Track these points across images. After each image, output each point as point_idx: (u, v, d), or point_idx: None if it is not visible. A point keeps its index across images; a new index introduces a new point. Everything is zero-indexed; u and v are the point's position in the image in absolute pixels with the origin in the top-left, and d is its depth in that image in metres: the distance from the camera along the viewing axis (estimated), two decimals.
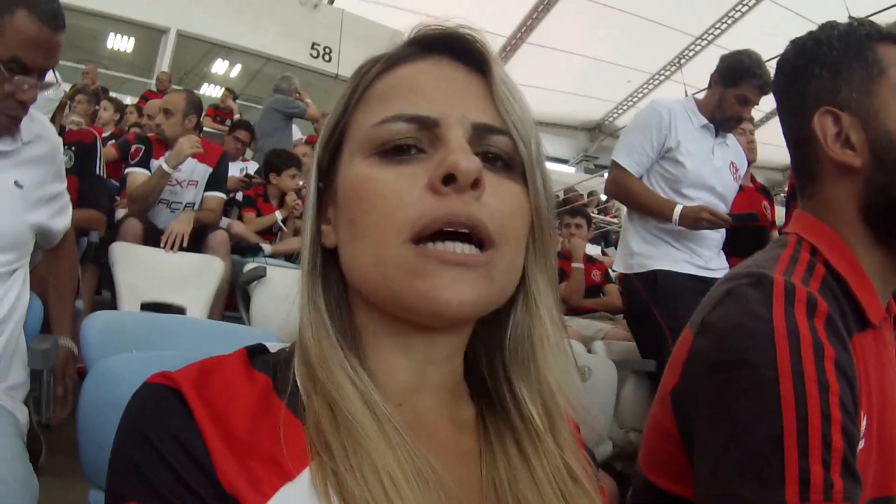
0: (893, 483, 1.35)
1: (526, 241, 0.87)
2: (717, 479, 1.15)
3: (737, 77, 3.97)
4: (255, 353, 0.86)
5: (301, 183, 6.09)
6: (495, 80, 0.86)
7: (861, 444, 1.21)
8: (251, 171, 7.78)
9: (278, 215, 5.90)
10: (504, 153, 0.85)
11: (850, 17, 1.44)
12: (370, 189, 0.81)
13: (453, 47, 0.88)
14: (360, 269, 0.83)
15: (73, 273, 2.70)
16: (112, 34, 16.38)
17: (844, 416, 1.10)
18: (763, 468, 1.08)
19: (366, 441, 0.75)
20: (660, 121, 3.98)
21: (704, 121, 4.06)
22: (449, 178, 0.77)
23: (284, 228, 5.93)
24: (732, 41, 20.07)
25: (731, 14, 19.98)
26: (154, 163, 4.81)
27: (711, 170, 3.99)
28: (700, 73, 20.50)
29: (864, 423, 1.23)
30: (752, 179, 5.12)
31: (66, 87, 6.12)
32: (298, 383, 0.81)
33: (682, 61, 21.82)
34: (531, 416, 0.88)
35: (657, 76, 22.90)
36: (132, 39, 16.65)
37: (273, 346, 0.90)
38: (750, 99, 3.98)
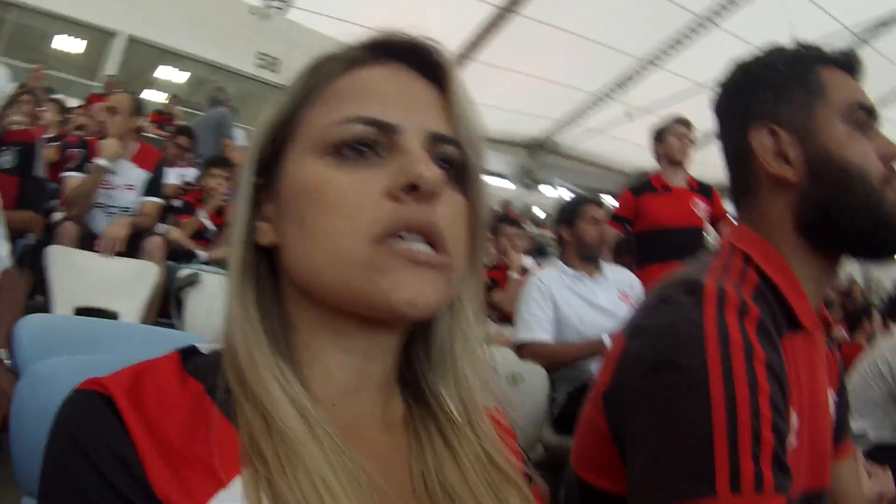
0: (825, 475, 1.42)
1: (465, 248, 0.89)
2: (650, 475, 1.18)
3: (574, 210, 4.40)
4: (188, 355, 0.85)
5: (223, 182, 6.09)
6: (454, 94, 0.88)
7: (794, 444, 1.26)
8: (190, 178, 7.69)
9: (201, 213, 5.89)
10: (455, 164, 0.87)
11: (797, 42, 1.49)
12: (326, 190, 0.81)
13: (414, 56, 0.90)
14: (311, 266, 0.82)
15: (15, 296, 2.75)
16: (61, 35, 16.15)
17: (775, 415, 1.13)
18: (695, 462, 1.11)
19: (298, 447, 0.74)
20: (539, 288, 4.23)
21: (574, 272, 4.32)
22: (411, 187, 0.79)
23: (209, 225, 5.91)
24: (677, 65, 20.28)
25: (677, 39, 20.14)
26: (90, 167, 4.78)
27: (596, 312, 4.18)
28: (642, 94, 20.66)
29: (794, 419, 1.28)
30: (689, 181, 5.27)
31: (13, 85, 6.04)
32: (230, 387, 0.79)
33: (626, 82, 21.98)
34: (450, 409, 0.91)
35: (601, 96, 23.02)
36: (82, 41, 16.41)
37: (204, 348, 0.88)
38: (598, 218, 4.34)
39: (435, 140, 0.85)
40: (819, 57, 1.46)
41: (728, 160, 1.56)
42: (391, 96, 0.86)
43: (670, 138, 5.27)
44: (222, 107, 9.48)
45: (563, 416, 3.88)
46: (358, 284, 0.79)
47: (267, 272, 0.89)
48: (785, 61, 1.46)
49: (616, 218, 5.16)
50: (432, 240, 0.81)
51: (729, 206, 5.35)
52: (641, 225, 5.16)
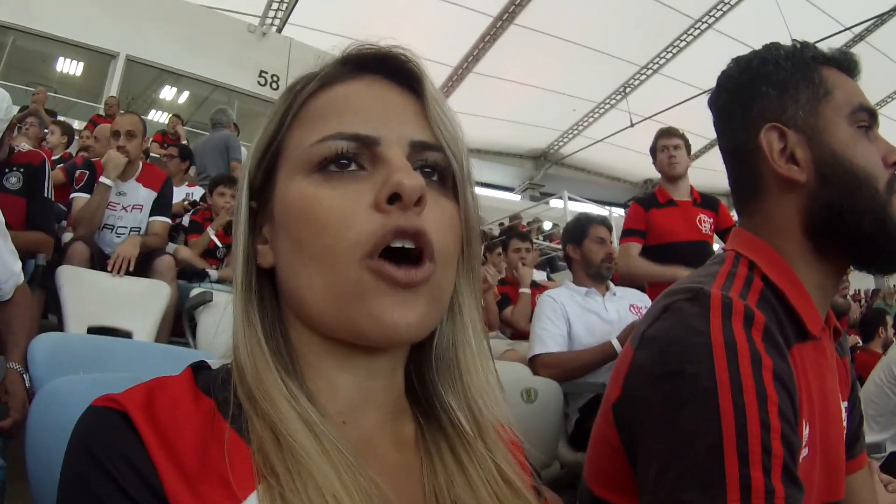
0: (839, 488, 1.39)
1: (457, 256, 0.89)
2: (660, 488, 1.16)
3: (582, 230, 4.49)
4: (199, 370, 0.86)
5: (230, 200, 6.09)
6: (427, 99, 0.88)
7: (804, 452, 1.24)
8: (196, 197, 7.71)
9: (210, 231, 5.88)
10: (439, 168, 0.88)
11: (794, 40, 1.47)
12: (315, 208, 0.82)
13: (386, 67, 0.90)
14: (307, 291, 0.83)
15: (30, 312, 2.81)
16: (61, 58, 16.21)
17: (784, 425, 1.12)
18: (705, 476, 1.09)
19: (308, 463, 0.75)
20: (552, 304, 4.28)
21: (585, 289, 4.40)
22: (394, 197, 0.79)
23: (218, 243, 5.90)
24: (676, 69, 20.35)
25: (675, 44, 20.24)
26: (96, 186, 4.77)
27: (609, 326, 4.18)
28: (644, 101, 20.79)
29: (806, 431, 1.25)
30: (692, 193, 5.24)
31: (16, 109, 6.06)
32: (241, 404, 0.80)
33: (628, 90, 22.06)
34: (460, 423, 0.90)
35: (603, 104, 23.11)
36: (81, 64, 16.49)
37: (214, 363, 0.90)
38: (603, 238, 4.43)
39: (417, 148, 0.86)
40: (819, 56, 1.44)
41: (730, 160, 1.54)
42: (368, 109, 0.87)
43: (659, 155, 5.27)
44: (224, 129, 9.47)
45: (577, 431, 3.89)
46: (350, 311, 0.80)
47: (271, 293, 0.91)
48: (786, 57, 1.44)
49: (631, 232, 5.12)
50: (420, 245, 0.81)
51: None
52: (650, 239, 5.13)
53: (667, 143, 5.20)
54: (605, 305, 4.29)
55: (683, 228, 5.05)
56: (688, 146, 5.27)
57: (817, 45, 1.48)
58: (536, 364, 4.08)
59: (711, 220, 5.17)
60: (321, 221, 0.81)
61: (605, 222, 4.52)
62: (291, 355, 0.87)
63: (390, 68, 0.90)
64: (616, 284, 4.63)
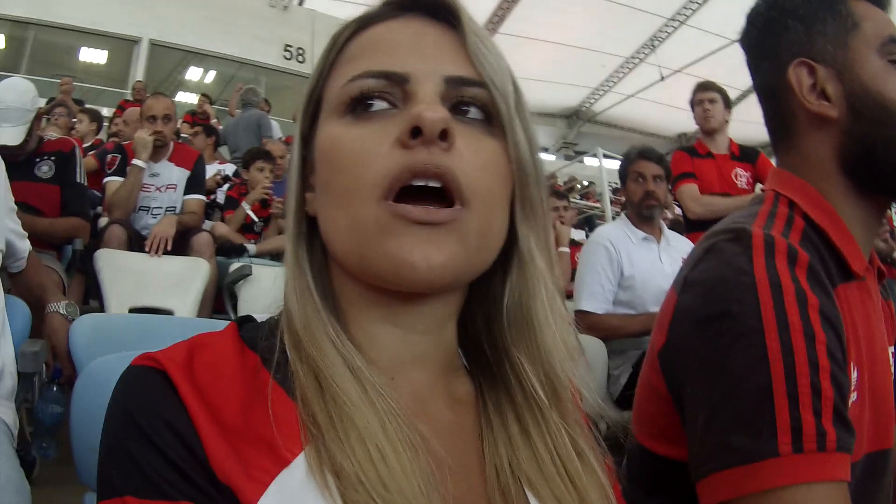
0: (889, 435, 1.34)
1: (509, 200, 0.84)
2: (709, 433, 1.13)
3: (626, 167, 4.40)
4: (243, 325, 0.84)
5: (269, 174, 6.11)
6: (466, 32, 0.84)
7: (853, 397, 1.20)
8: (228, 173, 7.74)
9: (245, 205, 5.88)
10: (479, 105, 0.83)
11: None
12: (339, 148, 0.80)
13: (425, 5, 0.86)
14: (335, 234, 0.81)
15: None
16: (84, 48, 16.36)
17: (833, 365, 1.09)
18: (754, 418, 1.07)
19: (350, 409, 0.73)
20: (607, 254, 4.13)
21: (643, 234, 4.25)
22: (416, 131, 0.75)
23: (254, 217, 5.91)
24: (704, 20, 20.14)
25: None
26: (129, 169, 4.81)
27: (663, 278, 4.04)
28: (674, 54, 20.63)
29: (854, 374, 1.22)
30: (731, 146, 5.21)
31: (42, 101, 6.10)
32: (287, 353, 0.78)
33: (656, 43, 21.89)
34: (533, 389, 0.85)
35: (631, 59, 22.96)
36: (105, 52, 16.61)
37: (261, 317, 0.87)
38: (644, 174, 4.26)
39: (453, 83, 0.81)
40: None
41: (763, 100, 1.49)
42: (400, 46, 0.83)
43: (695, 108, 5.28)
44: (255, 108, 9.50)
45: (627, 388, 3.77)
46: (368, 251, 0.77)
47: (319, 241, 0.88)
48: None
49: (684, 175, 5.06)
50: (446, 185, 0.77)
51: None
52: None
53: (703, 97, 5.20)
54: (660, 256, 4.18)
55: (718, 182, 5.03)
56: (726, 99, 5.24)
57: None
58: (582, 320, 3.95)
59: (749, 173, 5.13)
60: (343, 161, 0.79)
61: (646, 154, 4.33)
62: (337, 307, 0.85)
63: (430, 7, 0.86)
64: (691, 228, 4.62)
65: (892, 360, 1.41)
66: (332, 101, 0.84)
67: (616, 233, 4.24)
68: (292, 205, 0.88)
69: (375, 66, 0.81)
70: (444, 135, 0.76)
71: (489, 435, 0.85)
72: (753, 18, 1.48)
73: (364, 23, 0.87)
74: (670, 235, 4.35)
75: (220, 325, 1.96)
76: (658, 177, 4.23)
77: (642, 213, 4.21)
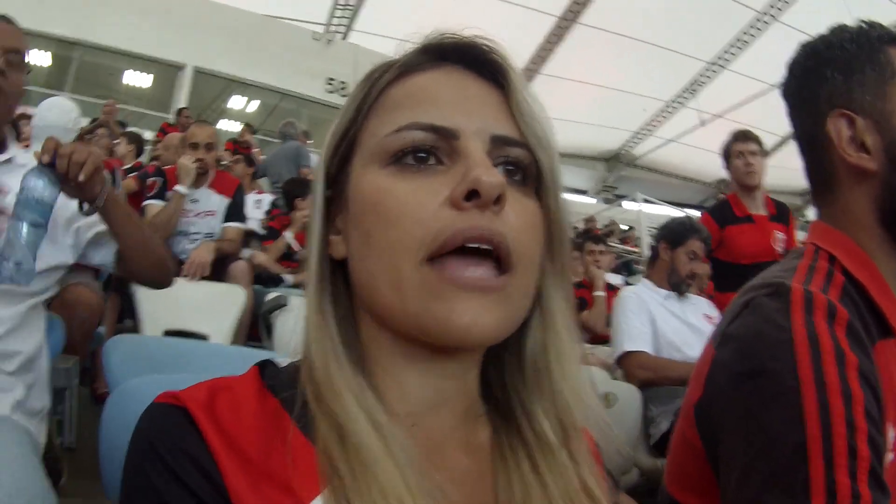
0: None
1: (541, 258, 0.84)
2: (743, 490, 1.13)
3: (682, 236, 4.24)
4: (265, 369, 0.85)
5: None
6: (515, 92, 0.84)
7: (890, 457, 1.19)
8: (266, 204, 7.84)
9: (287, 235, 5.90)
10: (521, 165, 0.83)
11: (861, 21, 1.42)
12: (387, 201, 0.78)
13: (468, 57, 0.86)
14: (374, 287, 0.80)
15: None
16: (129, 71, 16.63)
17: (870, 425, 1.08)
18: (789, 478, 1.07)
19: (373, 464, 0.73)
20: (638, 301, 4.13)
21: (665, 292, 4.22)
22: (472, 194, 0.75)
23: (295, 246, 5.93)
24: (745, 65, 20.14)
25: (741, 38, 20.07)
26: (170, 195, 4.86)
27: (691, 331, 4.04)
28: (714, 99, 20.62)
29: (892, 434, 1.20)
30: (767, 204, 4.98)
31: (85, 121, 6.17)
32: (307, 401, 0.78)
33: (696, 87, 21.91)
34: (543, 431, 0.86)
35: (672, 103, 22.99)
36: (149, 76, 16.87)
37: (282, 362, 0.88)
38: (697, 254, 4.19)
39: (498, 143, 0.81)
40: (886, 35, 1.38)
41: (803, 151, 1.48)
42: (448, 100, 0.83)
43: (734, 161, 4.91)
44: (293, 140, 9.64)
45: (666, 436, 3.72)
46: (416, 310, 0.76)
47: (343, 285, 0.88)
48: (851, 39, 1.39)
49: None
50: (497, 250, 0.76)
51: (800, 235, 5.10)
52: (721, 253, 4.87)
53: (743, 149, 4.87)
54: (685, 310, 4.17)
55: (760, 249, 4.77)
56: (764, 152, 4.96)
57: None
58: (629, 361, 3.95)
59: (785, 236, 4.93)
60: (391, 214, 0.77)
61: (704, 238, 4.30)
62: (361, 351, 0.85)
63: (472, 59, 0.86)
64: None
65: None
66: (372, 148, 0.83)
67: (641, 290, 4.29)
68: (315, 247, 0.87)
69: (424, 118, 0.80)
70: (499, 199, 0.76)
71: (504, 477, 0.85)
72: (793, 68, 1.48)
73: (406, 68, 0.87)
74: (690, 296, 4.33)
75: (254, 353, 1.98)
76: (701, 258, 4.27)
77: (679, 287, 4.21)
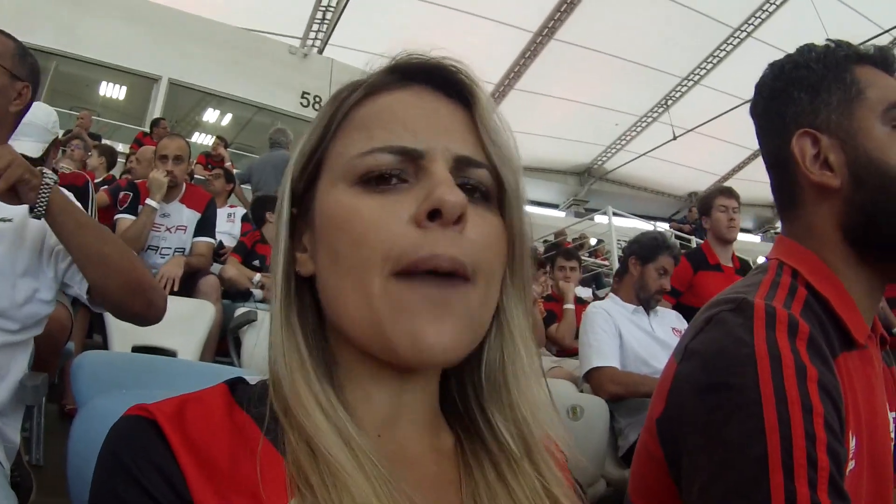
0: (887, 501, 1.35)
1: (501, 273, 0.86)
2: (705, 501, 1.15)
3: (652, 252, 4.33)
4: (235, 386, 0.86)
5: None
6: (481, 111, 0.85)
7: (851, 465, 1.22)
8: (238, 217, 7.77)
9: (257, 277, 5.74)
10: (483, 186, 0.84)
11: (828, 39, 1.45)
12: (354, 220, 0.80)
13: (436, 78, 0.88)
14: (342, 304, 0.81)
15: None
16: (105, 82, 16.50)
17: (830, 437, 1.10)
18: (751, 489, 1.08)
19: (344, 476, 0.74)
20: (605, 316, 4.19)
21: (633, 306, 4.31)
22: (434, 213, 0.77)
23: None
24: (718, 80, 20.24)
25: (715, 54, 20.17)
26: (142, 209, 4.84)
27: (658, 345, 4.10)
28: (686, 113, 20.69)
29: (853, 443, 1.23)
30: (733, 258, 5.16)
31: (61, 132, 6.14)
32: (277, 416, 0.80)
33: (669, 102, 21.99)
34: (506, 441, 0.88)
35: (645, 118, 23.04)
36: (124, 88, 16.74)
37: (252, 379, 0.89)
38: (667, 270, 4.31)
39: (461, 163, 0.83)
40: (853, 54, 1.41)
41: (770, 169, 1.51)
42: (415, 121, 0.84)
43: (716, 213, 5.12)
44: (283, 149, 9.58)
45: (631, 449, 3.77)
46: (383, 328, 0.78)
47: (310, 302, 0.89)
48: (817, 59, 1.42)
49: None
50: (460, 274, 0.78)
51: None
52: (691, 299, 5.00)
53: (727, 204, 5.08)
54: (651, 324, 4.23)
55: None
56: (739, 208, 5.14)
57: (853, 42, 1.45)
58: (599, 376, 3.99)
59: None
60: (357, 233, 0.79)
61: (675, 255, 4.42)
62: (330, 365, 0.86)
63: (439, 79, 0.88)
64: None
65: (892, 427, 1.42)
66: (339, 167, 0.84)
67: (609, 305, 4.33)
68: (280, 264, 0.88)
69: (391, 140, 0.82)
70: (460, 218, 0.78)
71: (469, 483, 0.87)
72: (761, 88, 1.51)
73: (373, 88, 0.88)
74: (658, 308, 4.40)
75: (223, 369, 1.98)
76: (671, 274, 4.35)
77: (647, 302, 4.28)
